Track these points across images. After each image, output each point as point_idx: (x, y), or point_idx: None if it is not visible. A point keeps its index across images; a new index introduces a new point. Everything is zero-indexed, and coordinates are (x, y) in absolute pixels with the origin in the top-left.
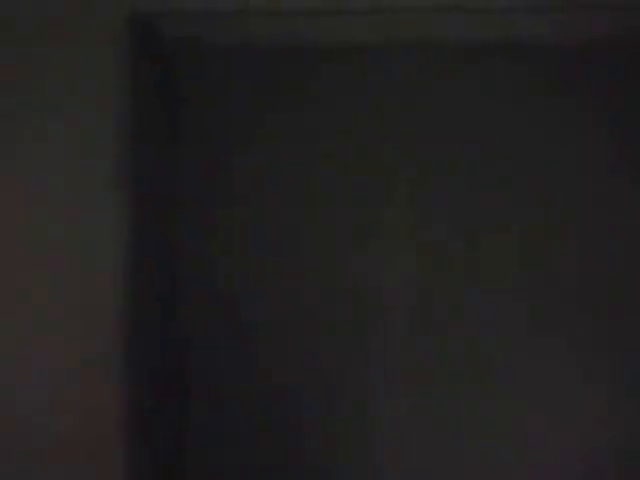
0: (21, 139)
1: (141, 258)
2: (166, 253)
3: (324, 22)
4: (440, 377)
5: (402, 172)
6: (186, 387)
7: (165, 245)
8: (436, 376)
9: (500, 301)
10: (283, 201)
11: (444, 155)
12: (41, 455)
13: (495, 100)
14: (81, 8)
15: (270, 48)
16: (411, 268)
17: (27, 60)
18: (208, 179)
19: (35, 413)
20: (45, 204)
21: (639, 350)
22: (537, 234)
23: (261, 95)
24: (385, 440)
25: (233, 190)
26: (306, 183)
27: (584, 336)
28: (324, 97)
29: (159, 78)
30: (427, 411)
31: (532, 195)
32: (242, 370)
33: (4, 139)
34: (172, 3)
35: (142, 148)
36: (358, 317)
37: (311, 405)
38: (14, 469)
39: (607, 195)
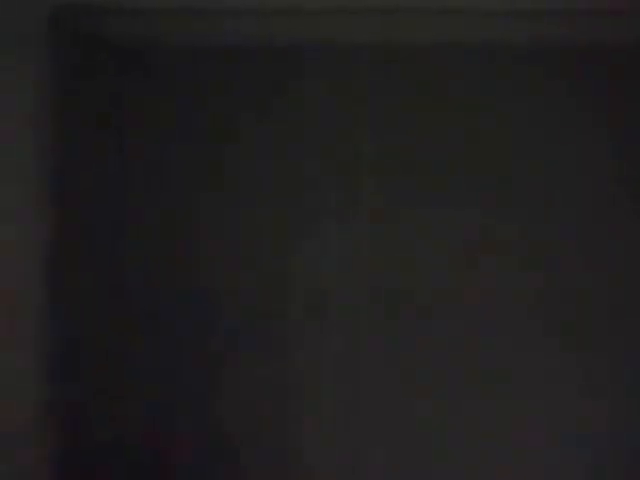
0: None
1: (63, 262)
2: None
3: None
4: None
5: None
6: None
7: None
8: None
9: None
10: (233, 199)
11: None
12: None
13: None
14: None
15: (224, 48)
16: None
17: None
18: (145, 178)
19: None
20: None
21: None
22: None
23: (202, 95)
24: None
25: (175, 191)
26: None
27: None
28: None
29: (92, 77)
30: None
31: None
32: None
33: None
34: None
35: (69, 150)
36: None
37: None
38: None
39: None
